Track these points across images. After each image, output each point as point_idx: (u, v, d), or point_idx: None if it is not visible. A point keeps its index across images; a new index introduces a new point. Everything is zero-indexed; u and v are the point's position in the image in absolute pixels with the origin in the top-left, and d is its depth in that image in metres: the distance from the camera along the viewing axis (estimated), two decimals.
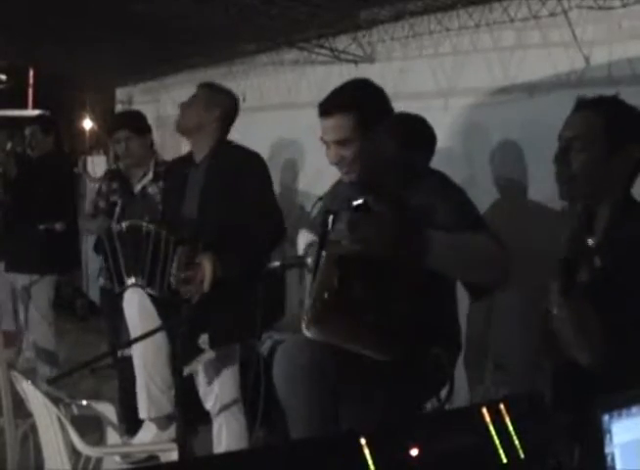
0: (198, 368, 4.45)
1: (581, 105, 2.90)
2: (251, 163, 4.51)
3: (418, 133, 4.29)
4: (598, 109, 2.85)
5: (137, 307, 4.53)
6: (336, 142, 3.33)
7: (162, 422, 4.61)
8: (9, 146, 6.97)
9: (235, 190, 4.34)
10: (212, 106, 4.60)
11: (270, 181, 4.56)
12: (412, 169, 3.33)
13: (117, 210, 5.63)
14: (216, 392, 4.49)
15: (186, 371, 4.47)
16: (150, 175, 5.53)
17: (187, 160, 4.75)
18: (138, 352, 4.57)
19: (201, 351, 4.33)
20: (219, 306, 4.20)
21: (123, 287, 4.62)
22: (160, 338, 4.41)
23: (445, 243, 2.88)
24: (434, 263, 2.87)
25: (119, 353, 5.01)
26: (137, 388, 4.58)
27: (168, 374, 4.51)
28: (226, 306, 4.18)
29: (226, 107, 4.67)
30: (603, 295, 2.57)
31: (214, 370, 4.48)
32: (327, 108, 3.36)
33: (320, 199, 3.21)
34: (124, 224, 4.74)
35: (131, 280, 4.57)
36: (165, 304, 4.42)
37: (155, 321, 4.41)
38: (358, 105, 3.31)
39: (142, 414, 4.59)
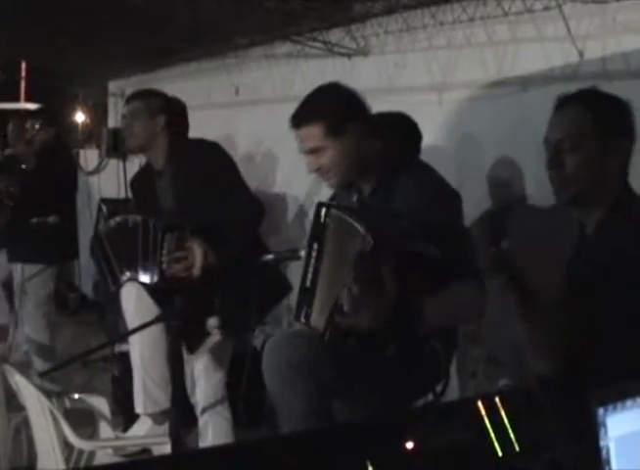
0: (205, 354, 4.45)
1: (563, 103, 2.82)
2: (210, 154, 4.46)
3: (400, 130, 4.33)
4: (582, 105, 2.77)
5: (134, 302, 4.52)
6: (310, 151, 3.36)
7: (159, 417, 4.60)
8: (41, 133, 6.87)
9: (205, 188, 4.32)
10: (155, 114, 4.54)
11: (234, 165, 4.51)
12: (394, 166, 3.38)
13: None
14: (202, 386, 4.47)
15: (195, 359, 4.48)
16: None
17: (147, 171, 4.71)
18: (135, 347, 4.56)
19: (207, 335, 4.34)
20: (221, 291, 4.21)
21: (119, 284, 4.60)
22: (158, 332, 4.40)
23: (436, 310, 3.00)
24: (424, 328, 3.04)
25: (117, 348, 5.01)
26: (134, 382, 4.57)
27: (166, 369, 4.50)
28: (228, 291, 4.18)
29: (169, 111, 4.61)
30: (599, 291, 2.57)
31: (201, 364, 4.47)
32: (295, 120, 3.39)
33: (320, 204, 3.21)
34: (112, 222, 4.70)
35: (125, 276, 4.54)
36: (163, 296, 4.40)
37: (152, 313, 4.41)
38: (324, 113, 3.32)
39: (138, 409, 4.57)
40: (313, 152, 3.34)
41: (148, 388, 4.51)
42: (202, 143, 4.55)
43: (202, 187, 4.30)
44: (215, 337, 4.38)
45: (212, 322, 4.36)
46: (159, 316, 4.25)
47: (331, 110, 3.34)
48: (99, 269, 4.74)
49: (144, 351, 4.51)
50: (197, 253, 4.20)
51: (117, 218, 4.68)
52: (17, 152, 6.85)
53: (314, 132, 3.31)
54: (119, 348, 5.18)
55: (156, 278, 4.38)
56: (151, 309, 4.43)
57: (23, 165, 6.63)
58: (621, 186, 2.78)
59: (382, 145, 3.42)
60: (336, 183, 3.44)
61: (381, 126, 3.61)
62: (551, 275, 2.82)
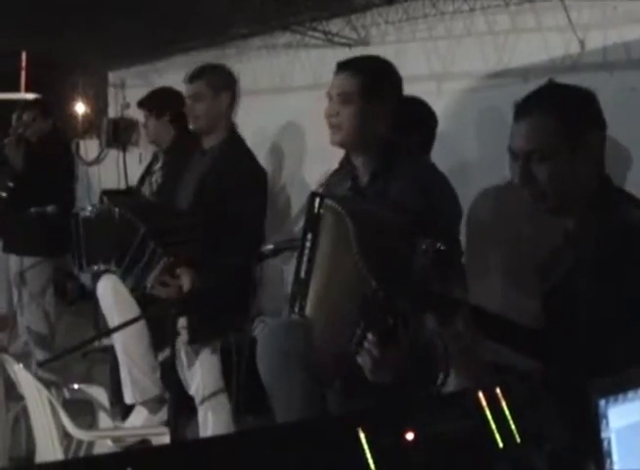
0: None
1: (523, 109, 2.70)
2: (251, 174, 4.48)
3: (413, 117, 4.30)
4: (544, 110, 2.63)
5: (112, 293, 4.53)
6: (338, 95, 3.45)
7: (153, 406, 4.60)
8: (36, 124, 6.85)
9: (231, 192, 4.33)
10: (220, 92, 4.55)
11: (263, 199, 4.54)
12: (396, 154, 3.39)
13: None
14: (199, 378, 4.47)
15: (161, 357, 4.49)
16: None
17: (193, 142, 4.72)
18: (118, 338, 4.56)
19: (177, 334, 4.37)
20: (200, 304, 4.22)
21: (82, 270, 4.59)
22: (140, 323, 4.41)
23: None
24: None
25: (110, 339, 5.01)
26: (121, 374, 4.58)
27: (152, 357, 4.51)
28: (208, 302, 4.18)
29: (233, 87, 4.62)
30: (579, 292, 2.53)
31: (196, 355, 4.47)
32: (342, 63, 3.53)
33: (314, 194, 3.20)
34: (94, 209, 4.67)
35: (99, 267, 4.52)
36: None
37: (131, 306, 4.41)
38: (371, 69, 3.47)
39: (127, 400, 4.58)
40: (341, 98, 3.44)
41: (134, 377, 4.53)
42: (250, 155, 4.57)
43: (228, 190, 4.31)
44: (183, 337, 4.40)
45: (181, 323, 4.39)
46: (159, 307, 4.27)
47: (378, 71, 3.49)
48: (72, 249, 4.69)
49: (127, 341, 4.51)
50: (184, 283, 4.21)
51: (99, 207, 4.66)
52: (5, 152, 6.81)
53: (353, 79, 3.43)
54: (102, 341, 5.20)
55: (134, 287, 4.39)
56: (129, 301, 4.44)
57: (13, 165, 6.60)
58: (598, 181, 2.68)
59: (392, 129, 3.46)
60: (338, 140, 3.49)
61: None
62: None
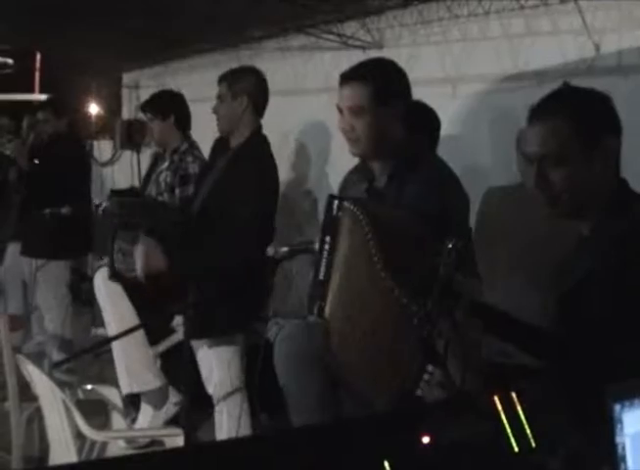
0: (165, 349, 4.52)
1: (538, 113, 2.69)
2: (263, 175, 4.50)
3: (420, 119, 4.32)
4: (560, 114, 2.61)
5: (103, 285, 4.57)
6: (349, 108, 3.40)
7: (155, 400, 4.62)
8: (31, 137, 6.91)
9: (242, 191, 4.35)
10: (238, 95, 4.58)
11: (273, 198, 4.56)
12: (412, 156, 3.41)
13: None
14: (217, 377, 4.48)
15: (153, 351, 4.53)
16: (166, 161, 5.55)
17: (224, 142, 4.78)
18: (112, 330, 4.59)
19: (171, 332, 4.40)
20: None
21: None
22: (132, 316, 4.47)
23: None
24: None
25: (96, 332, 5.06)
26: (115, 365, 4.60)
27: (146, 349, 4.54)
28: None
29: (251, 89, 4.64)
30: (595, 296, 2.52)
31: (215, 355, 4.48)
32: (346, 74, 3.45)
33: (332, 197, 3.21)
34: (102, 206, 4.77)
35: (101, 262, 4.61)
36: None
37: (122, 296, 4.46)
38: (376, 76, 3.40)
39: (124, 390, 4.58)
40: (352, 111, 3.39)
41: (130, 368, 4.54)
42: (265, 156, 4.59)
43: (238, 189, 4.34)
44: (178, 335, 4.42)
45: (177, 321, 4.41)
46: (173, 310, 4.30)
47: (384, 77, 3.43)
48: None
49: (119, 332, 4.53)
50: (139, 254, 4.23)
51: (105, 205, 4.76)
52: (12, 153, 6.83)
53: (361, 91, 3.37)
54: (97, 332, 5.25)
55: (110, 271, 4.45)
56: (120, 294, 4.47)
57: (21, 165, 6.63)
58: (614, 185, 2.67)
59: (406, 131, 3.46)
60: (359, 152, 3.48)
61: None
62: None
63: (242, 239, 4.29)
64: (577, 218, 2.72)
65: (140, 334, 4.53)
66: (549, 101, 2.69)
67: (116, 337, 4.24)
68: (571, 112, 2.61)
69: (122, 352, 4.54)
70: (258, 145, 4.64)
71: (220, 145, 4.86)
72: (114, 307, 4.51)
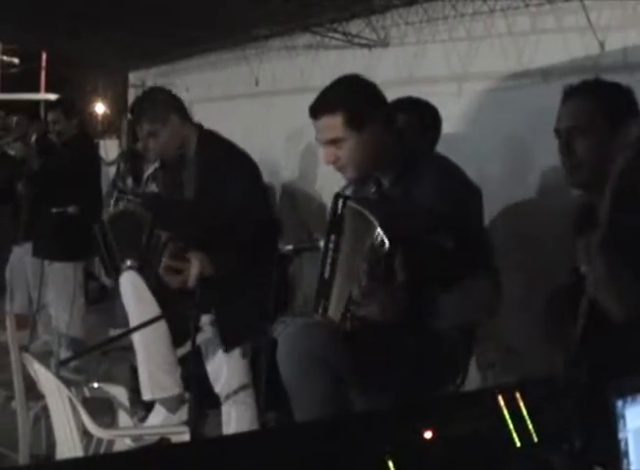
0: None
1: (569, 94, 2.93)
2: (235, 162, 4.46)
3: (419, 117, 4.33)
4: (589, 94, 2.90)
5: (131, 290, 4.54)
6: (328, 142, 3.33)
7: (172, 405, 4.60)
8: (33, 138, 6.94)
9: (222, 189, 4.33)
10: (165, 118, 4.53)
11: (257, 179, 4.53)
12: (411, 156, 3.37)
13: None
14: (225, 375, 4.48)
15: (180, 352, 4.51)
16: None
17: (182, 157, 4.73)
18: (136, 334, 4.57)
19: (198, 330, 4.38)
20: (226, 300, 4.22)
21: (119, 271, 4.63)
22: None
23: (450, 305, 3.02)
24: (437, 323, 3.05)
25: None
26: (139, 370, 4.59)
27: (171, 354, 4.52)
28: (234, 300, 4.20)
29: (171, 105, 4.59)
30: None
31: (223, 353, 4.48)
32: (315, 110, 3.36)
33: (338, 195, 3.21)
34: (116, 209, 4.73)
35: (126, 264, 4.56)
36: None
37: (150, 303, 4.43)
38: (345, 104, 3.28)
39: (145, 396, 4.57)
40: (332, 143, 3.31)
41: (153, 374, 4.51)
42: (230, 147, 4.56)
43: (219, 189, 4.32)
44: (206, 334, 4.41)
45: (205, 319, 4.40)
46: (171, 310, 4.29)
47: (351, 101, 3.32)
48: (99, 255, 4.77)
49: (145, 336, 4.51)
50: (194, 265, 4.22)
51: (122, 206, 4.71)
52: (18, 153, 6.84)
53: (334, 122, 3.28)
54: (115, 332, 5.22)
55: (148, 277, 4.42)
56: (148, 297, 4.45)
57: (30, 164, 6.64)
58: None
59: (400, 137, 3.42)
60: (353, 177, 3.40)
61: (399, 113, 3.61)
62: None
63: (247, 209, 4.29)
64: (594, 190, 2.80)
65: (165, 338, 4.52)
66: (580, 84, 2.94)
67: (123, 334, 4.25)
68: (597, 92, 2.91)
69: (148, 357, 4.53)
70: (213, 137, 4.62)
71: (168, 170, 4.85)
72: (141, 313, 4.46)
